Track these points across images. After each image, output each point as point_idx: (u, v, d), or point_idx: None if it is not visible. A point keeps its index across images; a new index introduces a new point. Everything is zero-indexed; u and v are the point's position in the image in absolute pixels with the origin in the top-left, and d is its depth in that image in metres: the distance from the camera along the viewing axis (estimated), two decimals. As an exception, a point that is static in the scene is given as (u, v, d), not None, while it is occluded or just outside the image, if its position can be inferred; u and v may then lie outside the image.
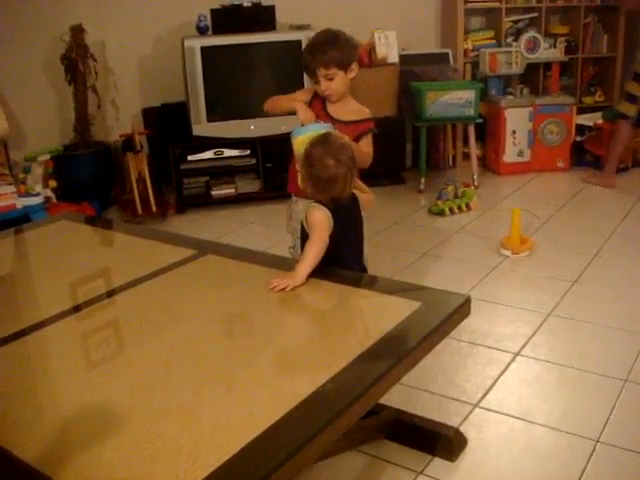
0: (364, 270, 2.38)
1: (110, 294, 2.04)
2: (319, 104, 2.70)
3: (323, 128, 2.34)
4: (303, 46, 4.62)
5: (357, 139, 2.57)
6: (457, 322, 1.87)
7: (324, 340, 1.76)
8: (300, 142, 2.30)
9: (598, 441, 2.23)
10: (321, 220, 2.11)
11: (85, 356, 1.76)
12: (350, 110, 2.72)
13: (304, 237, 2.15)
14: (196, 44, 4.61)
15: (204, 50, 4.60)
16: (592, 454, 2.18)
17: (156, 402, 1.49)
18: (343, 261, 2.17)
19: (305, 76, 4.70)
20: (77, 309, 1.95)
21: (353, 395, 1.49)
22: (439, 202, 4.43)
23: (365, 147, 2.62)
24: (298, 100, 2.66)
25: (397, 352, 1.66)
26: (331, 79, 2.63)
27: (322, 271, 2.02)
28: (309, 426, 1.39)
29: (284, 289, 1.95)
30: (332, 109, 2.71)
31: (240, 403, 1.47)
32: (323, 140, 2.19)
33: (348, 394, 1.50)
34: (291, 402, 1.45)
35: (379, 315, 1.85)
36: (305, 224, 2.15)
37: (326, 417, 1.42)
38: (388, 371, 1.59)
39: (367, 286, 2.01)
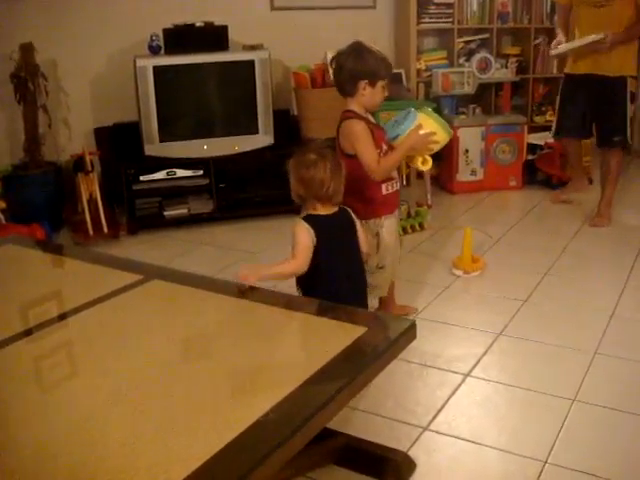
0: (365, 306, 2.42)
1: (50, 322, 1.99)
2: (371, 124, 2.84)
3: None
4: (256, 66, 4.69)
5: None
6: (402, 347, 1.87)
7: (269, 367, 1.74)
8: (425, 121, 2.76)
9: (546, 462, 2.24)
10: (303, 243, 2.24)
11: (23, 387, 1.71)
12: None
13: None
14: (148, 64, 4.57)
15: (156, 70, 4.56)
16: (540, 475, 2.18)
17: (96, 434, 1.46)
18: (338, 291, 2.28)
19: (259, 95, 4.73)
20: (17, 338, 1.91)
21: (295, 424, 1.48)
22: (392, 222, 4.44)
23: None
24: None
25: (341, 379, 1.64)
26: None
27: (266, 296, 2.01)
28: (249, 458, 1.37)
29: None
30: (372, 121, 2.89)
31: (180, 435, 1.45)
32: (303, 146, 2.42)
33: (290, 423, 1.48)
34: (232, 433, 1.43)
35: (324, 341, 1.83)
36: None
37: (267, 447, 1.40)
38: (331, 398, 1.57)
39: (313, 311, 2.00)
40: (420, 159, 2.82)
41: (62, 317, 2.02)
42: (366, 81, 2.74)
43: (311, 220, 2.29)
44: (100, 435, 1.46)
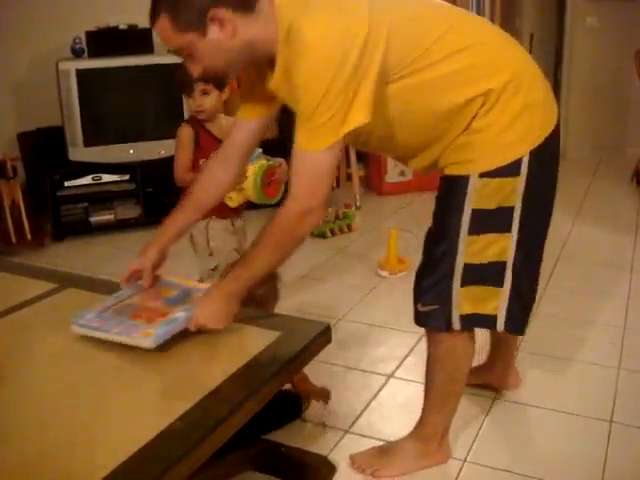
0: None
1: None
2: (205, 132, 2.86)
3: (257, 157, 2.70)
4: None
5: None
6: (317, 351, 1.86)
7: (177, 376, 1.72)
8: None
9: (465, 460, 2.27)
10: None
11: None
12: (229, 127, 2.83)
13: None
14: (71, 67, 4.49)
15: (79, 73, 4.49)
16: (459, 473, 2.21)
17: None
18: None
19: (184, 102, 4.68)
20: None
21: (201, 433, 1.46)
22: (320, 223, 4.45)
23: None
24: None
25: (251, 385, 1.63)
26: (207, 94, 2.75)
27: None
28: (153, 469, 1.35)
29: None
30: (216, 131, 2.85)
31: (84, 447, 1.42)
32: None
33: (196, 432, 1.46)
34: (137, 444, 1.40)
35: (236, 347, 1.82)
36: None
37: (171, 458, 1.38)
38: (240, 405, 1.56)
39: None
40: (233, 194, 2.73)
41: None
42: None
43: None
44: (4, 450, 1.42)
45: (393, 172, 5.37)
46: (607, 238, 4.38)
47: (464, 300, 2.01)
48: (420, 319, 2.13)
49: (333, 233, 4.43)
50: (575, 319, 3.25)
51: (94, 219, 4.70)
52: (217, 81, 2.76)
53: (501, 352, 2.59)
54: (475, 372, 2.49)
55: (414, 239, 4.23)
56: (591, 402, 2.58)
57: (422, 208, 5.08)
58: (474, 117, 1.86)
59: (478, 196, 1.90)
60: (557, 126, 1.96)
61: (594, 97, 6.51)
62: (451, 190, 1.97)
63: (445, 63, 1.81)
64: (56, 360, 1.79)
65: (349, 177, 5.46)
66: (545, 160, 1.94)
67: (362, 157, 5.46)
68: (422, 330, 3.06)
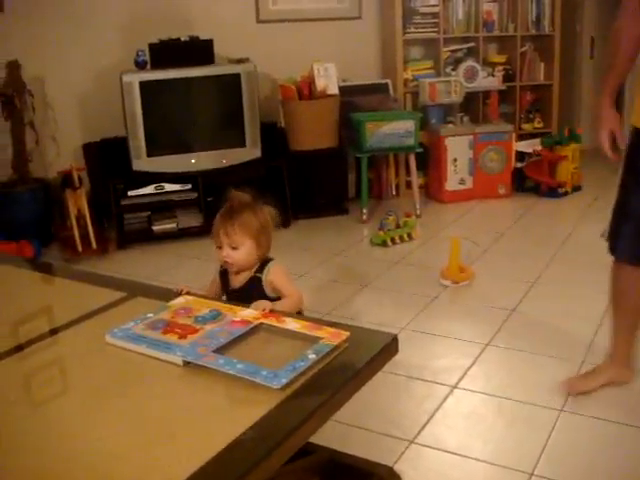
0: None
1: (28, 344, 1.97)
2: None
3: None
4: (242, 79, 4.71)
5: None
6: (384, 362, 1.85)
7: (245, 386, 1.73)
8: None
9: (533, 474, 2.23)
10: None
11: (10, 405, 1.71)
12: None
13: None
14: (134, 79, 4.58)
15: (143, 85, 4.58)
16: (524, 487, 2.18)
17: (78, 452, 1.45)
18: None
19: (246, 108, 4.74)
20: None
21: (273, 442, 1.46)
22: (380, 232, 4.45)
23: None
24: None
25: (320, 396, 1.63)
26: None
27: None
28: (227, 477, 1.36)
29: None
30: None
31: (158, 454, 1.43)
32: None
33: (268, 441, 1.47)
34: (210, 452, 1.42)
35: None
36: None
37: (245, 466, 1.39)
38: (310, 416, 1.56)
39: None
40: None
41: (38, 339, 2.00)
42: None
43: None
44: (82, 451, 1.44)
45: (453, 180, 5.33)
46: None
47: None
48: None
49: (394, 242, 4.41)
50: None
51: (157, 228, 4.78)
52: None
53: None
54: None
55: (475, 247, 4.21)
56: (630, 410, 2.55)
57: (482, 216, 5.05)
58: None
59: None
60: None
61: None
62: None
63: None
64: (130, 365, 1.82)
65: (409, 185, 5.43)
66: None
67: (422, 165, 5.43)
68: (486, 340, 3.08)
